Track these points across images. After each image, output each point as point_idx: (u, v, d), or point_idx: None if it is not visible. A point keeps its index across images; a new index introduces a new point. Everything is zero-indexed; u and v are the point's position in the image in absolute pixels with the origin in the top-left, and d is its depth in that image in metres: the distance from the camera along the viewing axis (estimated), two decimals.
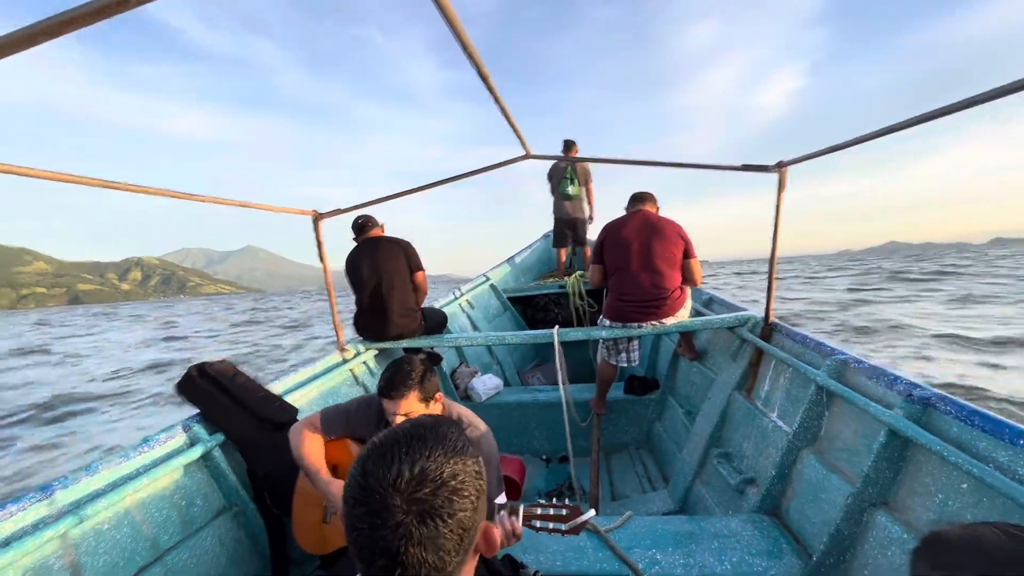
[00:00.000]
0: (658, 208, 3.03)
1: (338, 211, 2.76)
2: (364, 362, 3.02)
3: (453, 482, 0.58)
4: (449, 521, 0.57)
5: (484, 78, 1.45)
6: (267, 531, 1.92)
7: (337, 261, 3.35)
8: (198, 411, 1.97)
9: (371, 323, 3.02)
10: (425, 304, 3.38)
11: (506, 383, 4.30)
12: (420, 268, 3.12)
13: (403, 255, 3.04)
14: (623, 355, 3.02)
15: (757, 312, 2.66)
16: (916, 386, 1.50)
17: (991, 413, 1.28)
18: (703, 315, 3.06)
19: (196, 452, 1.84)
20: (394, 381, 1.54)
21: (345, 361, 2.87)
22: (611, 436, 3.54)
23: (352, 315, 3.15)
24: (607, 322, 2.92)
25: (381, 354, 3.16)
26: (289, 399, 2.28)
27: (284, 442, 1.83)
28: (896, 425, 1.44)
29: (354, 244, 3.09)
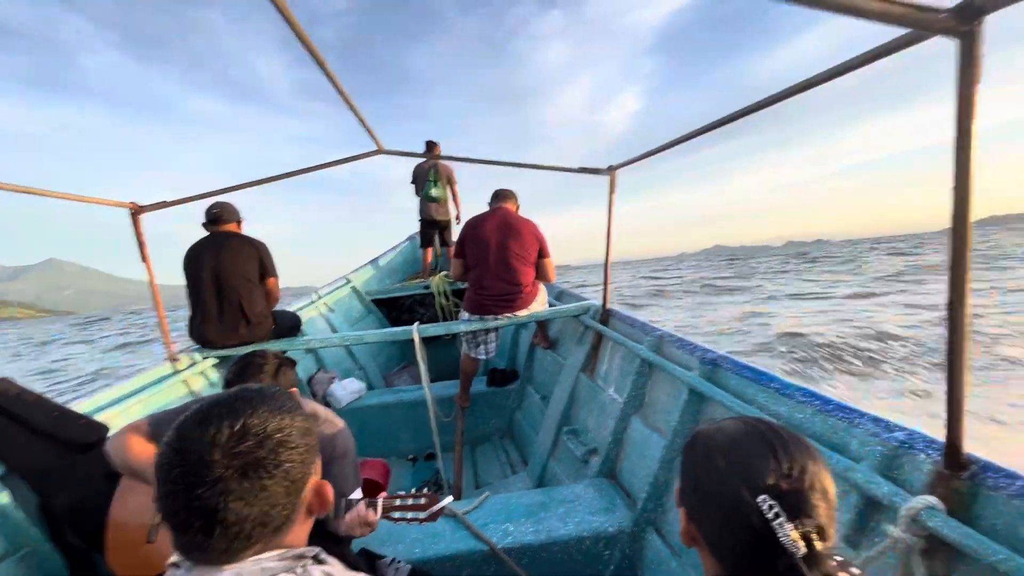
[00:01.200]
0: (518, 207, 3.21)
1: (163, 204, 2.46)
2: (202, 372, 2.72)
3: (279, 435, 0.58)
4: (275, 472, 0.56)
5: (320, 63, 1.44)
6: (70, 571, 1.64)
7: (166, 263, 3.01)
8: None
9: (211, 328, 2.72)
10: (277, 308, 3.15)
11: (370, 387, 4.17)
12: (274, 274, 2.90)
13: (256, 256, 2.80)
14: (481, 347, 3.14)
15: (598, 301, 2.96)
16: (708, 351, 1.82)
17: (757, 367, 1.61)
18: (554, 307, 3.32)
19: None
20: (245, 374, 1.44)
21: (177, 372, 2.56)
22: (475, 428, 3.65)
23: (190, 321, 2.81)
24: (467, 315, 3.01)
25: (223, 363, 2.87)
26: (102, 418, 1.97)
27: (91, 466, 1.58)
28: (693, 383, 1.73)
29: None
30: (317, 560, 0.62)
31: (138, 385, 2.33)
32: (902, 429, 1.09)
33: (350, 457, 1.57)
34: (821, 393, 1.34)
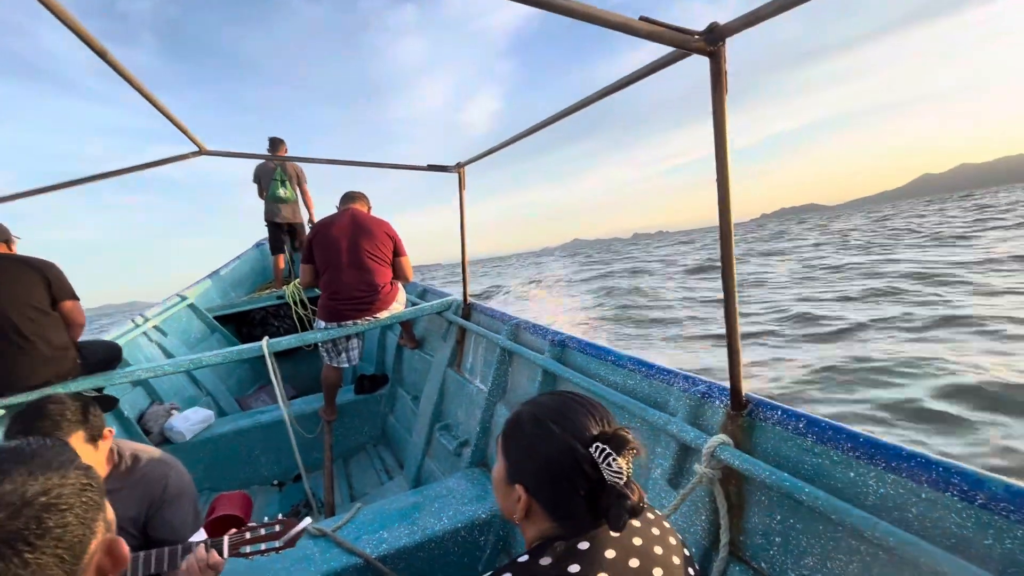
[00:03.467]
0: (370, 207, 3.11)
1: None
2: None
3: (43, 498, 0.50)
4: (39, 543, 0.48)
5: (101, 55, 1.24)
6: None
7: None
8: None
9: None
10: (85, 338, 2.65)
11: (221, 413, 3.75)
12: (71, 296, 2.40)
13: (40, 280, 2.30)
14: (343, 355, 3.00)
15: (459, 296, 3.02)
16: (557, 333, 1.97)
17: (597, 343, 1.79)
18: (416, 305, 3.30)
19: None
20: (33, 426, 1.19)
21: None
22: (347, 440, 3.49)
23: None
24: (323, 324, 2.86)
25: (8, 415, 2.34)
26: None
27: None
28: (546, 365, 1.87)
29: None
30: None
31: None
32: (704, 382, 1.30)
33: (186, 497, 1.41)
34: (647, 360, 1.53)
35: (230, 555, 1.25)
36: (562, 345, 1.91)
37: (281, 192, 5.05)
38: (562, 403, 0.73)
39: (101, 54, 1.25)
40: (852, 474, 0.91)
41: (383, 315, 2.84)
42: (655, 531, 0.72)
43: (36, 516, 0.49)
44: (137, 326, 3.83)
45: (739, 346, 1.11)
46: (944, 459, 0.82)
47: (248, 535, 1.28)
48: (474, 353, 2.67)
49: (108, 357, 2.63)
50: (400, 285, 3.03)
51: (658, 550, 0.69)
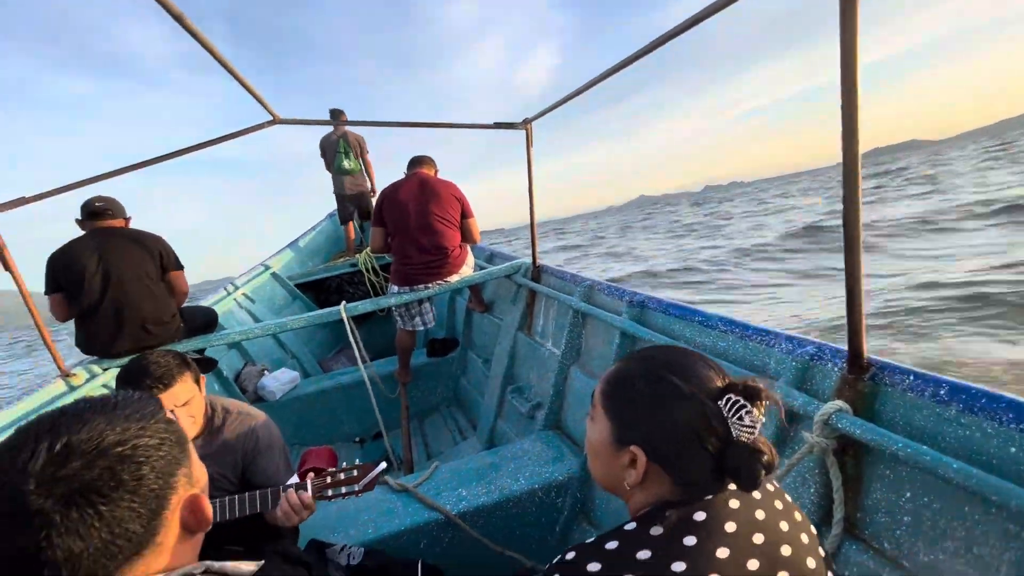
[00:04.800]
0: (436, 171, 3.09)
1: (22, 200, 2.13)
2: (103, 385, 2.45)
3: (119, 448, 0.49)
4: (113, 495, 0.47)
5: (191, 31, 1.25)
6: None
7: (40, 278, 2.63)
8: None
9: (104, 337, 2.43)
10: (187, 304, 2.87)
11: (305, 375, 3.99)
12: (177, 267, 2.61)
13: (153, 250, 2.50)
14: (417, 319, 3.06)
15: (529, 259, 2.95)
16: (635, 294, 1.86)
17: (680, 303, 1.67)
18: (485, 269, 3.28)
19: None
20: (150, 369, 1.29)
21: (73, 388, 2.28)
22: (421, 401, 3.61)
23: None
24: (395, 288, 2.91)
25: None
26: None
27: None
28: (624, 327, 1.77)
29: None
30: (210, 574, 0.54)
31: (27, 409, 2.06)
32: (812, 343, 1.16)
33: (277, 447, 1.49)
34: (739, 320, 1.40)
35: (315, 497, 1.31)
36: (641, 306, 1.80)
37: (346, 164, 5.17)
38: (678, 356, 0.66)
39: (193, 34, 1.27)
40: (1014, 449, 0.77)
41: (453, 279, 2.85)
42: (778, 504, 0.63)
43: (110, 467, 0.48)
44: (228, 294, 4.12)
45: (861, 300, 0.97)
46: None
47: (329, 479, 1.33)
48: (545, 316, 2.62)
49: (207, 321, 2.85)
50: (469, 248, 3.01)
51: (784, 526, 0.61)
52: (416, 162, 3.04)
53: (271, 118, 2.23)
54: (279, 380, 3.39)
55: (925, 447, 0.84)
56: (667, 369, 0.64)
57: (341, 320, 2.73)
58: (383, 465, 1.35)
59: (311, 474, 1.36)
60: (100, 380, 2.41)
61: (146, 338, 2.48)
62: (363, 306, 2.78)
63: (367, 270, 4.84)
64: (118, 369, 2.47)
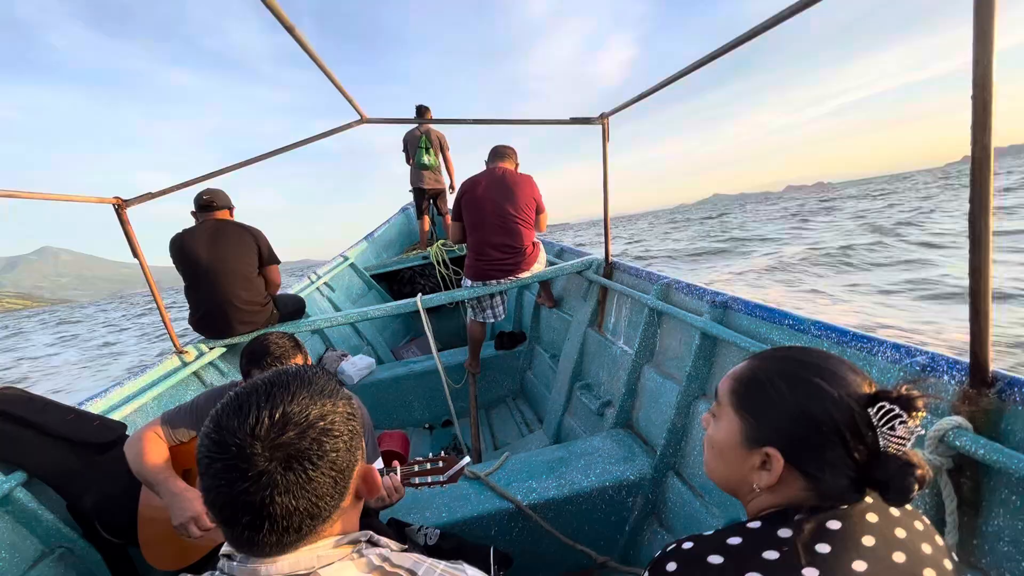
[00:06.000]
0: (517, 165, 3.07)
1: (148, 196, 2.39)
2: (210, 362, 2.72)
3: (321, 423, 0.56)
4: (319, 463, 0.54)
5: (289, 29, 1.35)
6: (108, 565, 1.68)
7: (161, 252, 2.98)
8: None
9: (212, 320, 2.70)
10: (279, 293, 3.12)
11: (379, 362, 4.20)
12: (274, 261, 2.86)
13: (254, 244, 2.75)
14: (488, 312, 3.12)
15: (600, 256, 2.93)
16: (717, 294, 1.79)
17: (768, 304, 1.59)
18: (555, 264, 3.29)
19: None
20: (258, 357, 1.43)
21: (186, 364, 2.55)
22: (488, 392, 3.69)
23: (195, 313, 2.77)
24: (469, 282, 2.98)
25: (230, 351, 2.87)
26: (117, 416, 1.98)
27: (113, 464, 1.59)
28: (705, 328, 1.72)
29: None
30: (371, 543, 0.61)
31: (149, 380, 2.33)
32: (924, 353, 1.07)
33: (369, 428, 1.59)
34: (836, 324, 1.32)
35: (403, 483, 1.39)
36: (724, 306, 1.74)
37: (426, 159, 5.34)
38: (819, 358, 0.63)
39: (289, 29, 1.37)
40: None
41: (525, 275, 2.88)
42: (919, 525, 0.59)
43: (317, 439, 0.54)
44: (311, 283, 4.41)
45: (989, 307, 0.88)
46: None
47: (416, 468, 1.41)
48: (617, 313, 2.58)
49: (297, 309, 3.08)
50: (541, 245, 3.03)
51: (926, 548, 0.57)
52: (496, 154, 3.04)
53: (359, 117, 2.35)
54: (356, 366, 3.59)
55: None
56: (810, 371, 0.62)
57: (414, 311, 2.84)
58: (467, 459, 1.41)
59: (395, 461, 1.45)
60: (207, 358, 2.68)
61: (246, 323, 2.72)
62: (438, 298, 2.88)
63: (438, 263, 5.00)
64: (222, 349, 2.75)
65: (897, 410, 0.56)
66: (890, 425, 0.55)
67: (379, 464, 1.57)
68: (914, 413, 0.55)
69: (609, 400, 2.42)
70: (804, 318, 1.41)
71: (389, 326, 5.02)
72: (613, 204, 2.68)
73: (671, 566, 0.58)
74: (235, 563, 0.55)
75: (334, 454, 0.56)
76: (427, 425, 3.59)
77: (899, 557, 0.54)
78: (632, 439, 2.09)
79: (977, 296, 0.88)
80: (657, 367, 2.12)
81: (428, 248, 5.21)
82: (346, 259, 5.14)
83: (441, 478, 1.40)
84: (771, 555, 0.54)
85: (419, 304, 2.81)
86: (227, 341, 2.74)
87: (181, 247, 2.65)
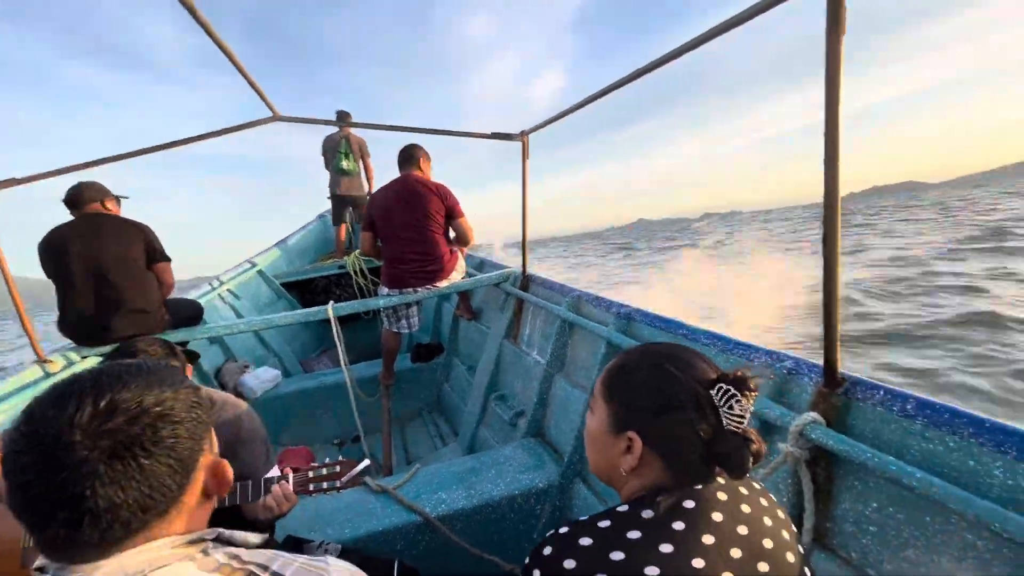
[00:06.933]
0: (429, 161, 2.98)
1: (11, 182, 2.10)
2: None
3: (158, 408, 0.52)
4: (154, 450, 0.50)
5: (203, 25, 1.28)
6: None
7: (19, 250, 2.57)
8: None
9: (86, 323, 2.40)
10: (172, 297, 2.85)
11: (287, 374, 3.95)
12: (164, 258, 2.59)
13: (140, 239, 2.48)
14: (403, 321, 3.06)
15: (518, 268, 2.99)
16: (622, 306, 1.90)
17: (666, 316, 1.71)
18: (474, 276, 3.31)
19: None
20: (138, 357, 1.29)
21: (49, 375, 2.24)
22: (403, 405, 3.60)
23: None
24: (386, 290, 2.92)
25: (107, 360, 2.56)
26: None
27: None
28: (611, 338, 1.81)
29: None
30: (220, 541, 0.57)
31: (0, 393, 2.02)
32: (790, 358, 1.21)
33: (259, 438, 1.48)
34: (722, 334, 1.45)
35: (296, 491, 1.30)
36: (628, 318, 1.84)
37: (344, 164, 5.18)
38: (675, 348, 0.70)
39: (203, 25, 1.29)
40: (972, 463, 0.82)
41: (443, 284, 2.87)
42: (763, 502, 0.67)
43: (151, 424, 0.51)
44: (213, 288, 4.08)
45: (838, 317, 1.02)
46: None
47: (311, 474, 1.32)
48: (532, 325, 2.65)
49: (192, 314, 2.83)
50: (460, 254, 3.02)
51: (767, 521, 0.64)
52: (405, 159, 2.93)
53: (271, 114, 2.25)
54: (260, 378, 3.36)
55: (891, 458, 0.88)
56: (664, 359, 0.68)
57: (325, 321, 2.72)
58: (366, 462, 1.35)
59: (287, 470, 1.36)
60: (77, 367, 2.37)
61: (129, 327, 2.45)
62: (351, 306, 2.78)
63: (355, 272, 4.83)
64: (97, 358, 2.45)
65: (732, 390, 0.62)
66: (728, 404, 0.62)
67: (274, 472, 1.47)
68: (747, 393, 0.62)
69: (522, 410, 2.46)
70: (696, 328, 1.54)
71: (299, 337, 4.75)
72: (547, 226, 2.75)
73: (547, 550, 0.61)
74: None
75: (172, 440, 0.52)
76: (336, 441, 3.42)
77: (743, 530, 0.61)
78: (542, 447, 2.13)
79: (829, 310, 1.02)
80: (567, 377, 2.20)
81: (345, 257, 5.03)
82: (254, 265, 4.82)
83: (338, 483, 1.32)
84: (634, 535, 0.59)
85: (330, 312, 2.70)
86: (104, 349, 2.44)
87: (48, 245, 2.34)
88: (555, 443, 2.15)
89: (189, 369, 1.45)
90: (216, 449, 0.61)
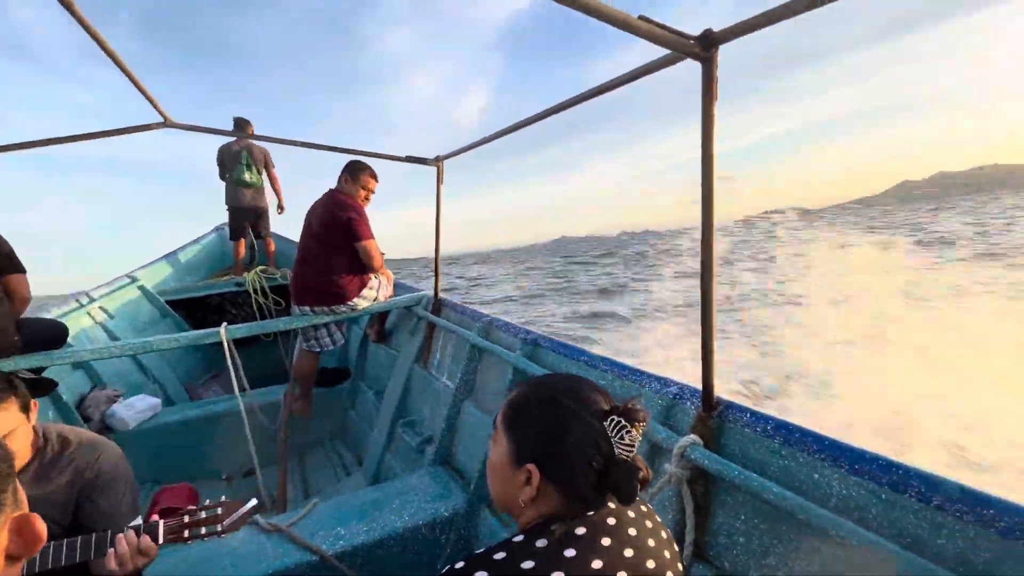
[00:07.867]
0: (359, 184, 2.82)
1: None
2: None
3: None
4: None
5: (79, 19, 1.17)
6: None
7: None
8: None
9: None
10: (28, 315, 2.46)
11: (169, 402, 3.56)
12: (16, 269, 2.22)
13: None
14: (326, 339, 2.97)
15: (430, 292, 2.97)
16: (529, 332, 1.97)
17: (569, 343, 1.79)
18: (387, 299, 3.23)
19: None
20: None
21: None
22: (303, 434, 3.38)
23: None
24: (297, 309, 2.80)
25: None
26: None
27: None
28: (517, 364, 1.86)
29: None
30: None
31: None
32: (676, 384, 1.32)
33: (121, 483, 1.32)
34: (619, 361, 1.55)
35: (166, 541, 1.16)
36: (534, 344, 1.91)
37: (247, 176, 4.86)
38: (570, 381, 0.74)
39: (79, 19, 1.18)
40: (816, 475, 0.94)
41: (342, 309, 2.76)
42: (648, 524, 0.72)
43: None
44: (81, 305, 3.60)
45: (714, 348, 1.14)
46: (903, 462, 0.85)
47: (187, 518, 1.19)
48: (443, 350, 2.63)
49: (52, 338, 2.46)
50: (379, 277, 2.89)
51: (651, 542, 0.69)
52: (346, 170, 2.81)
53: (162, 120, 2.08)
54: (134, 408, 2.99)
55: (754, 475, 0.99)
56: (560, 393, 0.71)
57: (217, 343, 2.51)
58: (253, 502, 1.25)
59: (156, 515, 1.22)
60: None
61: None
62: (248, 328, 2.60)
63: (255, 291, 4.50)
64: None
65: (623, 422, 0.67)
66: (619, 435, 0.67)
67: (137, 522, 1.30)
68: (636, 424, 0.68)
69: (430, 436, 2.42)
70: (596, 355, 1.63)
71: (185, 361, 4.31)
72: (469, 242, 2.77)
73: None
74: None
75: None
76: (225, 476, 3.12)
77: (628, 552, 0.66)
78: (449, 475, 2.11)
79: (707, 342, 1.13)
80: (476, 402, 2.21)
81: (245, 274, 4.67)
82: (134, 280, 4.33)
83: (219, 527, 1.20)
84: (527, 564, 0.61)
85: (223, 334, 2.49)
86: None
87: None
88: (463, 469, 2.13)
89: (35, 404, 1.26)
90: (23, 502, 0.53)
